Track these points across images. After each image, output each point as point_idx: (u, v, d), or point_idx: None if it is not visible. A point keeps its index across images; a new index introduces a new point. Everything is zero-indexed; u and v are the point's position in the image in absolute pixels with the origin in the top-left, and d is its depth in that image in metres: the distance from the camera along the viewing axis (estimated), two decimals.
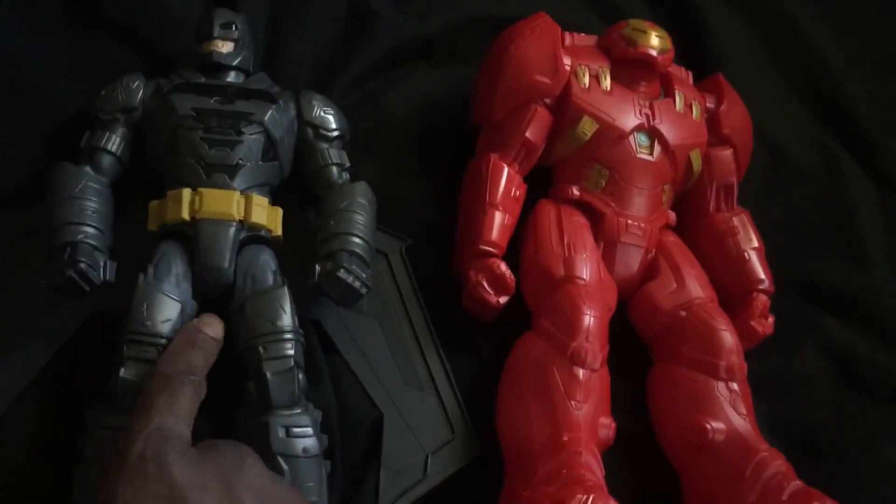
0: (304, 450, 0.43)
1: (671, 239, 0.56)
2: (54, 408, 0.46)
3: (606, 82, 0.54)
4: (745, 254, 0.57)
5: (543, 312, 0.50)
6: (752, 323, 0.55)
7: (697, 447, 0.49)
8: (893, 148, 0.68)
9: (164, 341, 0.42)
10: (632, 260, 0.54)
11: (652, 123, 0.54)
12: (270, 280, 0.46)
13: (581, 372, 0.47)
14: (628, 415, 0.52)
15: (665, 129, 0.54)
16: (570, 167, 0.54)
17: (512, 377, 0.49)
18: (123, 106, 0.48)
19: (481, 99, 0.55)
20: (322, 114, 0.51)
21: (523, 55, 0.53)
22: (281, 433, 0.43)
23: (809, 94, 0.70)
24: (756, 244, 0.57)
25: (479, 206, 0.52)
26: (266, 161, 0.48)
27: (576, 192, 0.54)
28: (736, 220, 0.57)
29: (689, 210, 0.58)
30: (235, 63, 0.50)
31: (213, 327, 0.43)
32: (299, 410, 0.44)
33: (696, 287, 0.54)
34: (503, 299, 0.51)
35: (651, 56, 0.54)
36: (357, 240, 0.47)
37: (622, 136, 0.53)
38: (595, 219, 0.54)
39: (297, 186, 0.51)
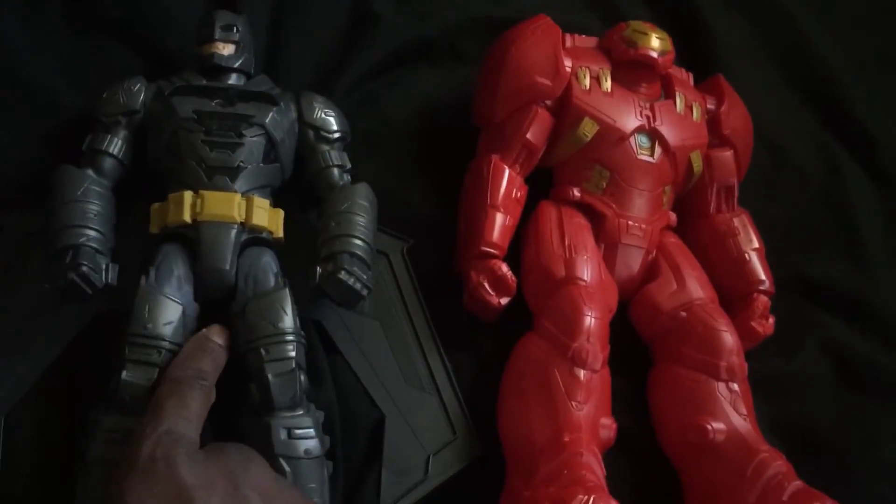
0: (306, 451, 0.43)
1: (672, 240, 0.56)
2: (58, 408, 0.46)
3: (607, 84, 0.54)
4: (746, 255, 0.57)
5: (544, 313, 0.50)
6: (753, 324, 0.55)
7: (698, 447, 0.49)
8: (893, 148, 0.68)
9: (165, 344, 0.42)
10: (632, 261, 0.54)
11: (653, 125, 0.54)
12: (272, 282, 0.46)
13: (582, 373, 0.47)
14: (629, 415, 0.52)
15: (666, 130, 0.54)
16: (570, 168, 0.54)
17: (513, 378, 0.49)
18: (125, 109, 0.48)
19: (482, 100, 0.55)
20: (323, 115, 0.51)
21: (524, 57, 0.53)
22: (283, 435, 0.43)
23: (809, 94, 0.70)
24: (756, 245, 0.57)
25: (481, 208, 0.52)
26: (267, 163, 0.48)
27: (577, 193, 0.54)
28: (736, 221, 0.58)
29: (690, 211, 0.58)
30: (236, 65, 0.50)
31: (221, 336, 0.44)
32: (301, 412, 0.44)
33: (697, 288, 0.54)
34: (504, 300, 0.51)
35: (652, 58, 0.54)
36: (358, 241, 0.47)
37: (623, 137, 0.53)
38: (596, 220, 0.54)
39: (299, 188, 0.51)
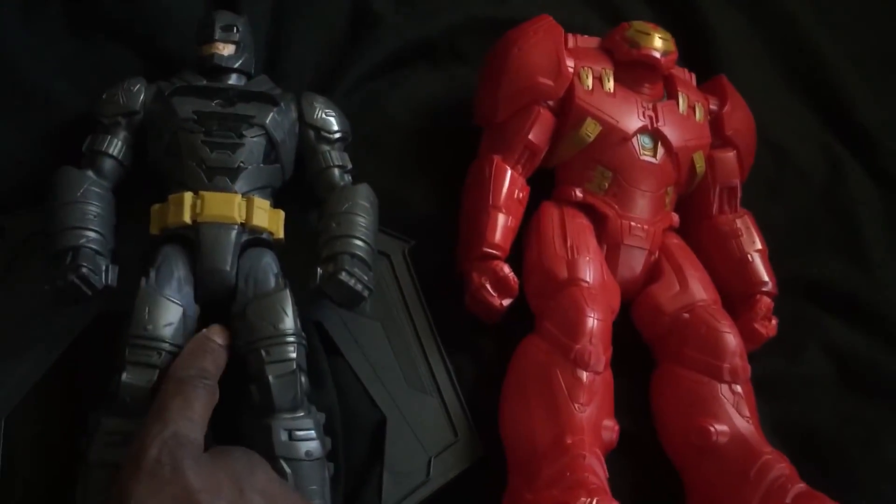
0: (307, 453, 0.43)
1: (674, 241, 0.56)
2: (58, 410, 0.46)
3: (610, 84, 0.54)
4: (749, 256, 0.56)
5: (547, 315, 0.50)
6: (756, 325, 0.55)
7: (701, 449, 0.49)
8: (895, 148, 0.68)
9: (166, 345, 0.42)
10: (635, 262, 0.54)
11: (655, 125, 0.54)
12: (272, 283, 0.46)
13: (584, 374, 0.47)
14: (631, 417, 0.52)
15: (668, 131, 0.54)
16: (573, 169, 0.54)
17: (515, 379, 0.49)
18: (125, 109, 0.48)
19: (484, 101, 0.55)
20: (324, 116, 0.51)
21: (526, 57, 0.53)
22: (283, 436, 0.43)
23: (811, 95, 0.70)
24: (759, 246, 0.57)
25: (483, 209, 0.52)
26: (267, 164, 0.48)
27: (579, 194, 0.54)
28: (739, 222, 0.57)
29: (693, 212, 0.58)
30: (236, 66, 0.50)
31: (222, 336, 0.44)
32: (302, 413, 0.44)
33: (700, 289, 0.53)
34: (506, 302, 0.51)
35: (654, 58, 0.54)
36: (359, 242, 0.47)
37: (625, 138, 0.53)
38: (598, 221, 0.54)
39: (299, 188, 0.51)
